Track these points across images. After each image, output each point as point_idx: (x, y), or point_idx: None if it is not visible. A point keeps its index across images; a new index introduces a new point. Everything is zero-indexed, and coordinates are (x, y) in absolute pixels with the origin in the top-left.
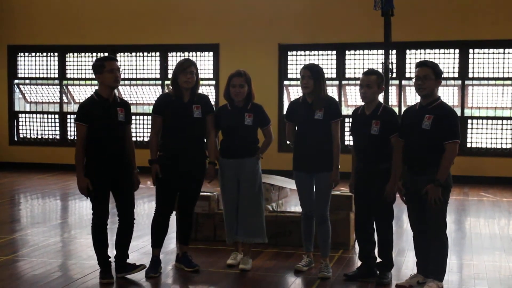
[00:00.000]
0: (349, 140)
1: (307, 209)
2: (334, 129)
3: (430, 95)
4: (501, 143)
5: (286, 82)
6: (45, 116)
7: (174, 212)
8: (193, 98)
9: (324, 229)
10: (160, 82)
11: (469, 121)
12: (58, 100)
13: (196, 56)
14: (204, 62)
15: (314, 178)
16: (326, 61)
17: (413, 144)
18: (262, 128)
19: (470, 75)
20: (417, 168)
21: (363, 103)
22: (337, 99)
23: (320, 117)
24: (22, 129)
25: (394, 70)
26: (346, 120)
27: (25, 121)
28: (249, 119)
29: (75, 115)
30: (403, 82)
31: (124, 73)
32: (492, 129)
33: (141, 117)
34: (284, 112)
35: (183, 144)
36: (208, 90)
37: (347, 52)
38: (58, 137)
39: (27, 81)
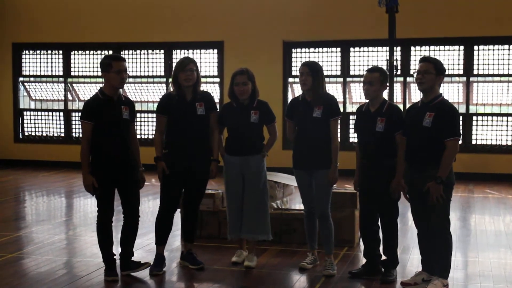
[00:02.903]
0: (353, 137)
1: (308, 206)
2: (333, 127)
3: (430, 91)
4: (506, 140)
5: (290, 80)
6: (50, 113)
7: (178, 210)
8: (196, 95)
9: (326, 226)
10: (164, 79)
11: (474, 118)
12: (63, 98)
13: (200, 53)
14: (208, 60)
15: (314, 176)
16: (331, 58)
17: (415, 142)
18: (268, 125)
19: (475, 72)
20: (419, 165)
21: (367, 100)
22: (341, 96)
23: (319, 115)
24: (27, 127)
25: (399, 67)
26: (351, 117)
27: (30, 119)
28: (255, 117)
29: (80, 113)
30: (408, 79)
31: (128, 71)
32: (497, 125)
33: (146, 114)
34: None
35: (188, 141)
36: (212, 88)
37: (351, 49)
38: (62, 134)
39: (31, 79)
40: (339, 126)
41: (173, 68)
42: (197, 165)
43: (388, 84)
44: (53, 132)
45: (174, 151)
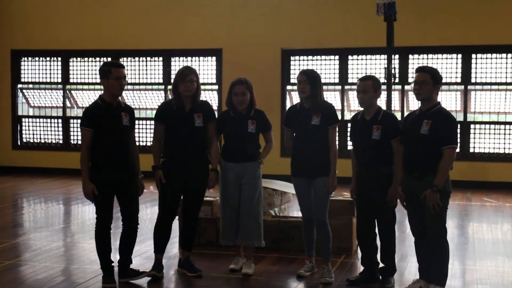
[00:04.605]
0: (351, 145)
1: (307, 214)
2: (331, 134)
3: (429, 100)
4: (504, 148)
5: (288, 87)
6: (48, 120)
7: (177, 217)
8: (195, 106)
9: (324, 234)
10: (163, 87)
11: (472, 126)
12: (61, 105)
13: (199, 61)
14: (207, 67)
15: (313, 183)
16: (329, 66)
17: (412, 149)
18: (264, 133)
19: (473, 80)
20: (416, 173)
21: (362, 109)
22: (339, 104)
23: (317, 123)
24: (25, 134)
25: (397, 75)
26: (349, 125)
27: (28, 126)
28: (252, 126)
29: (79, 120)
30: (406, 87)
31: (127, 78)
32: (495, 134)
33: (144, 121)
34: None
35: (185, 151)
36: (210, 95)
37: (349, 57)
38: (61, 141)
39: (30, 86)
40: (337, 134)
41: (174, 77)
42: (195, 174)
43: (381, 91)
44: (51, 139)
45: (171, 160)
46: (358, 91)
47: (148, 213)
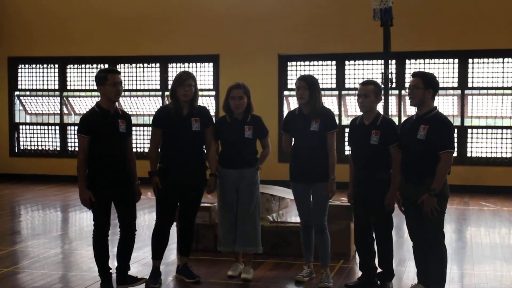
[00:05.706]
0: (349, 150)
1: (305, 219)
2: (330, 140)
3: (424, 105)
4: (501, 152)
5: (286, 93)
6: (46, 127)
7: (174, 223)
8: (192, 110)
9: (323, 239)
10: (160, 93)
11: (469, 130)
12: (59, 112)
13: (196, 66)
14: (204, 73)
15: (311, 188)
16: (326, 71)
17: (410, 154)
18: (261, 139)
19: (470, 85)
20: (414, 178)
21: (361, 113)
22: (337, 109)
23: (316, 129)
24: (23, 141)
25: (394, 80)
26: (347, 130)
27: (26, 133)
28: (249, 132)
29: (76, 127)
30: (403, 92)
31: (124, 84)
32: (492, 138)
33: (141, 128)
34: None
35: (183, 156)
36: (208, 101)
37: (346, 62)
38: (58, 148)
39: (27, 93)
40: (335, 139)
41: (172, 81)
42: (192, 179)
43: (382, 96)
44: (48, 146)
45: (169, 165)
46: (359, 95)
47: (146, 219)
